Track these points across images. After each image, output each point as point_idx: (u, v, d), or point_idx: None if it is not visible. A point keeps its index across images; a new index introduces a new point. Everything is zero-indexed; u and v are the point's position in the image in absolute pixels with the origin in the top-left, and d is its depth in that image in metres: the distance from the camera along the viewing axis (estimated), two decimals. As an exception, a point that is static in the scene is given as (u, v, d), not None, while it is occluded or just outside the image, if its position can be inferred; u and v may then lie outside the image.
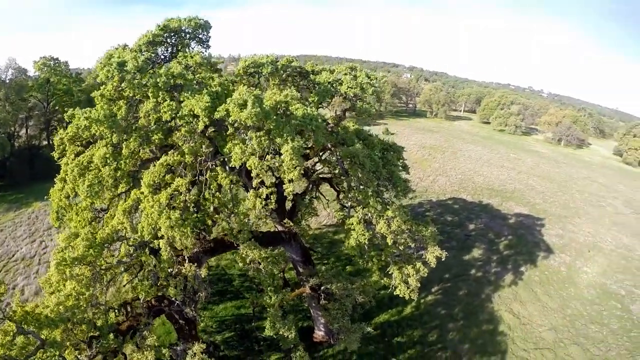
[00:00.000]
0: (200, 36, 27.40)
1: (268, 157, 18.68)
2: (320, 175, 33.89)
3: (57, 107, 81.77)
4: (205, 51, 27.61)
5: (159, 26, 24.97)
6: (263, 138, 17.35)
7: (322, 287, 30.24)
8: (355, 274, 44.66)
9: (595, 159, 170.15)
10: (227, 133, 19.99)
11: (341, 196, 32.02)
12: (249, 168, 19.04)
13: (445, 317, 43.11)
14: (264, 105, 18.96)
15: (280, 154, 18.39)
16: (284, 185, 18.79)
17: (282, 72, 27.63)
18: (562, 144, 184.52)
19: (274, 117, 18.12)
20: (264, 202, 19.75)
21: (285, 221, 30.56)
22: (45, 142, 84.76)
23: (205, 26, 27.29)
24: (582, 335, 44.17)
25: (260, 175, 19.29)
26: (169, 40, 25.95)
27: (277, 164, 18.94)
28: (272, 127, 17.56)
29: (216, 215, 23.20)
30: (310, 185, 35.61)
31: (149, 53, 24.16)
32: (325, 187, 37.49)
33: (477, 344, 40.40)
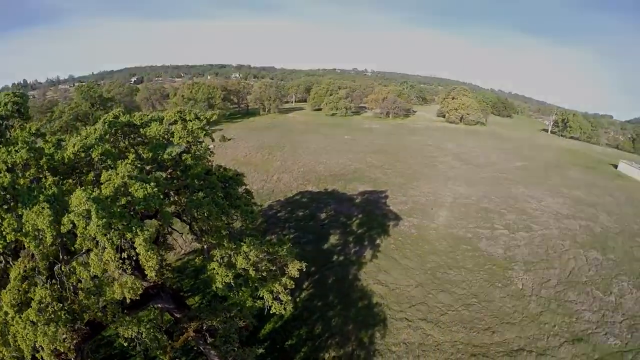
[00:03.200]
0: (20, 110, 27.88)
1: (124, 253, 20.76)
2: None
3: None
4: (26, 123, 28.29)
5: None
6: (114, 238, 19.48)
7: (205, 327, 32.60)
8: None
9: (422, 124, 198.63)
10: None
11: (194, 227, 33.10)
12: (106, 261, 20.82)
13: (323, 307, 48.84)
14: (103, 194, 21.03)
15: (134, 248, 20.53)
16: (145, 271, 20.96)
17: (110, 129, 28.91)
18: (391, 116, 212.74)
19: (118, 210, 20.28)
20: (131, 291, 21.75)
21: (149, 277, 31.82)
22: None
23: (23, 102, 28.14)
24: (446, 282, 53.50)
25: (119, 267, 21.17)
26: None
27: (134, 256, 21.14)
28: (120, 226, 19.71)
29: (82, 299, 24.08)
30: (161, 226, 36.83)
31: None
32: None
33: (359, 320, 46.32)
